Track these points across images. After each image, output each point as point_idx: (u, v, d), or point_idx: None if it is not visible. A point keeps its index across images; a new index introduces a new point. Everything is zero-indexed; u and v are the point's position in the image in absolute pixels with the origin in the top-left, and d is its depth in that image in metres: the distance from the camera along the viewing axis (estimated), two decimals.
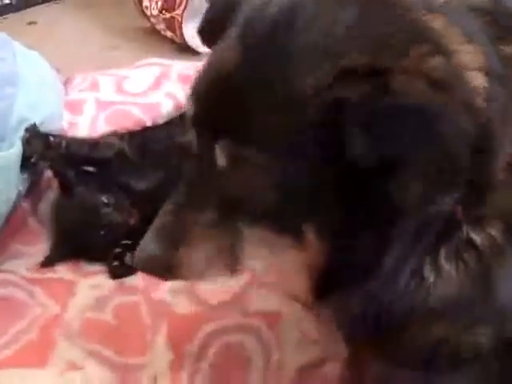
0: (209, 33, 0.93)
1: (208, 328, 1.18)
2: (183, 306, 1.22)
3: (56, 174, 1.42)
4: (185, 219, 0.81)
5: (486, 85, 0.74)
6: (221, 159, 0.77)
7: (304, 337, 1.16)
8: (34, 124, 1.41)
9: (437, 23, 0.74)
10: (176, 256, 0.82)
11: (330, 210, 0.75)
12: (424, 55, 0.71)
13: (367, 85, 0.68)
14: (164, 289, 1.26)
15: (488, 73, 0.74)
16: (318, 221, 0.76)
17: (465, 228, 0.80)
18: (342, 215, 0.74)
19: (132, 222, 1.35)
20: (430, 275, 0.81)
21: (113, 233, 1.34)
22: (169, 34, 2.44)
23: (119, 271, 1.32)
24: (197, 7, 2.38)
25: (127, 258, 1.31)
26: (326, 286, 0.83)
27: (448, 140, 0.67)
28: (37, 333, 1.20)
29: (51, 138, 1.41)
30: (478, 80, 0.74)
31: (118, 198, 1.36)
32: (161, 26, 2.46)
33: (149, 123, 1.68)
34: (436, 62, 0.71)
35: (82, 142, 1.45)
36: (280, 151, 0.73)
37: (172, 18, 2.38)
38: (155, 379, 1.13)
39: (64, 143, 1.41)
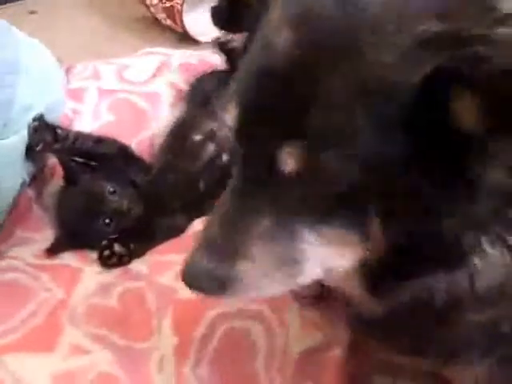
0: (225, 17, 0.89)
1: (212, 313, 1.18)
2: (188, 292, 1.20)
3: (62, 164, 1.44)
4: (238, 229, 0.73)
5: None
6: (287, 164, 0.69)
7: (307, 322, 1.17)
8: (42, 114, 1.42)
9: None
10: (233, 270, 0.73)
11: (404, 194, 0.69)
12: (497, 21, 0.66)
13: (458, 51, 0.64)
14: (169, 275, 1.27)
15: None
16: (387, 208, 0.71)
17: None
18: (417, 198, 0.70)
19: (136, 211, 1.37)
20: (477, 260, 0.77)
21: (117, 221, 1.35)
22: (169, 23, 2.44)
23: (110, 261, 1.33)
24: None
25: (116, 247, 1.33)
26: (383, 280, 0.78)
27: None
28: (44, 317, 1.22)
29: (59, 131, 1.43)
30: None
31: (123, 186, 1.37)
32: (161, 15, 2.46)
33: (150, 112, 1.70)
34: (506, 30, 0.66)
35: (87, 136, 1.48)
36: (366, 149, 0.66)
37: (172, 7, 2.38)
38: (160, 363, 1.14)
39: (71, 137, 1.43)
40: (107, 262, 1.33)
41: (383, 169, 0.67)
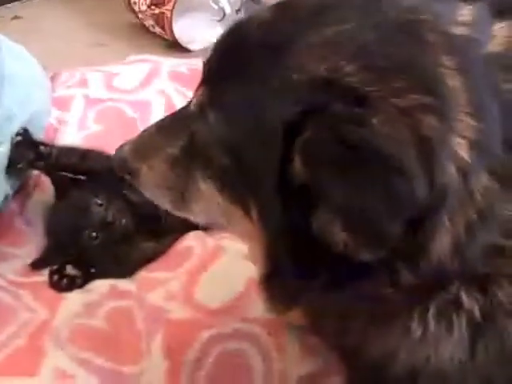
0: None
1: (206, 335, 1.13)
2: (179, 312, 1.18)
3: (51, 180, 1.39)
4: (157, 144, 0.87)
5: (469, 160, 0.67)
6: (194, 102, 0.82)
7: (305, 347, 1.11)
8: (26, 129, 1.37)
9: (454, 82, 0.68)
10: (139, 168, 0.89)
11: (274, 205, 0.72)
12: (423, 107, 0.65)
13: (345, 104, 0.64)
14: (158, 293, 1.22)
15: (477, 150, 0.67)
16: (261, 207, 0.75)
17: (456, 286, 0.73)
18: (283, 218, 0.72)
19: (124, 222, 1.31)
20: (416, 330, 0.76)
21: (105, 234, 1.29)
22: (158, 30, 2.39)
23: (60, 285, 1.27)
24: (187, 3, 2.35)
25: (69, 269, 1.28)
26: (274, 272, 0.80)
27: (394, 199, 0.62)
28: (26, 339, 1.15)
29: (41, 148, 1.37)
30: (462, 153, 0.67)
31: (110, 198, 1.32)
32: (149, 22, 2.41)
33: (139, 121, 1.65)
34: (432, 120, 0.65)
35: (71, 151, 1.42)
36: (238, 126, 0.74)
37: (161, 13, 2.33)
38: None
39: (54, 153, 1.37)
40: (57, 285, 1.27)
41: (249, 158, 0.73)
